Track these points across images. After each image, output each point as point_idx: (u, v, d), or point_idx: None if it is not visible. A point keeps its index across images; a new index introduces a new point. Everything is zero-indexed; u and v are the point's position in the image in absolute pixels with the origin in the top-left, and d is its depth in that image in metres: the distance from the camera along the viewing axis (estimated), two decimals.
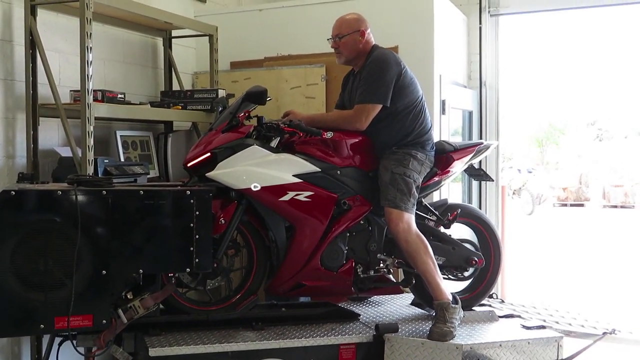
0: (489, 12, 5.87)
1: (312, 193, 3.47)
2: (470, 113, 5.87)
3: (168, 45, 5.01)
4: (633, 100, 29.62)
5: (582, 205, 20.97)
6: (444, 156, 3.83)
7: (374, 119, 3.61)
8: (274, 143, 3.50)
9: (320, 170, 3.53)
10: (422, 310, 3.94)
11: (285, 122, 3.56)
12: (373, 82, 3.59)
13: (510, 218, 6.75)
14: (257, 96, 3.44)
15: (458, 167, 3.93)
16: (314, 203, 3.48)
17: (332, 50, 4.65)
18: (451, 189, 5.09)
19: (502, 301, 4.42)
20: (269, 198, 3.42)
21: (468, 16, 5.86)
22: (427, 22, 4.81)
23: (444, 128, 5.03)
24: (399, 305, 4.10)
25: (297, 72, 4.92)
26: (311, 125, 3.56)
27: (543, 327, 3.72)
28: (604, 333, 3.98)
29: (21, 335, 3.77)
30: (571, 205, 20.99)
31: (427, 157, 3.70)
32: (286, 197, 3.43)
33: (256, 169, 3.40)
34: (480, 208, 5.68)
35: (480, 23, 5.86)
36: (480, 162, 4.61)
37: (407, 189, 3.53)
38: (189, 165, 3.43)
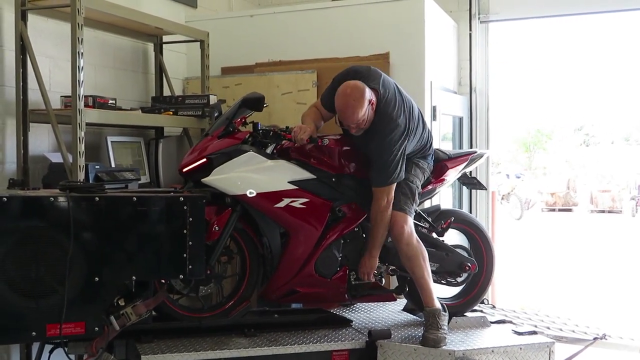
0: (479, 18, 5.92)
1: (307, 200, 3.47)
2: (461, 119, 5.89)
3: (159, 51, 5.00)
4: (619, 106, 29.89)
5: (570, 210, 21.11)
6: (438, 164, 3.84)
7: None
8: (269, 149, 3.50)
9: (315, 177, 3.54)
10: (415, 317, 3.93)
11: (281, 128, 3.56)
12: (386, 165, 3.45)
13: (499, 223, 6.78)
14: (254, 102, 3.45)
15: (452, 175, 3.94)
16: (309, 210, 3.48)
17: (324, 56, 4.68)
18: (442, 195, 5.10)
19: (494, 307, 4.43)
20: (264, 204, 3.41)
21: (458, 23, 5.89)
22: (417, 28, 4.82)
23: (435, 134, 5.04)
24: (391, 311, 4.10)
25: (289, 77, 4.93)
26: (379, 244, 3.55)
27: (535, 332, 3.73)
28: (595, 338, 4.01)
29: (12, 343, 3.73)
30: (559, 210, 21.13)
31: (428, 166, 3.73)
32: (281, 204, 3.42)
33: (252, 175, 3.39)
34: (470, 213, 5.70)
35: (470, 29, 5.90)
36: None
37: (411, 194, 3.55)
38: (184, 170, 3.42)
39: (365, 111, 3.40)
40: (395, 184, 3.51)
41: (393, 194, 3.51)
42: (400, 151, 3.48)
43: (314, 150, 3.57)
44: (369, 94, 3.41)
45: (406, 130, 3.50)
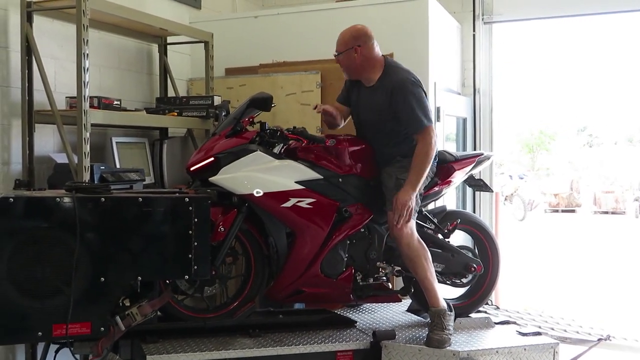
0: (482, 19, 5.91)
1: (313, 200, 3.48)
2: (464, 120, 5.90)
3: (163, 52, 5.01)
4: (622, 107, 29.86)
5: (573, 211, 21.05)
6: (445, 166, 3.84)
7: (386, 133, 3.64)
8: (277, 149, 3.51)
9: (322, 177, 3.55)
10: (419, 317, 3.94)
11: (288, 128, 3.58)
12: (419, 107, 3.54)
13: (502, 224, 6.79)
14: (262, 102, 3.47)
15: (459, 177, 3.95)
16: (316, 210, 3.49)
17: (328, 57, 4.68)
18: (446, 195, 5.10)
19: (497, 307, 4.44)
20: (271, 204, 3.42)
21: (462, 24, 5.89)
22: (421, 29, 4.83)
23: (439, 135, 5.04)
24: (395, 311, 4.10)
25: (292, 78, 4.93)
26: (418, 179, 3.50)
27: (539, 333, 3.73)
28: (599, 339, 4.02)
29: (18, 343, 3.75)
30: (562, 211, 21.07)
31: (430, 167, 3.71)
32: (288, 204, 3.43)
33: (259, 175, 3.41)
34: (474, 214, 5.69)
35: (474, 30, 5.90)
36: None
37: None
38: (192, 169, 3.44)
39: (345, 47, 3.65)
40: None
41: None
42: (424, 96, 3.61)
43: (321, 151, 3.59)
44: (360, 38, 3.65)
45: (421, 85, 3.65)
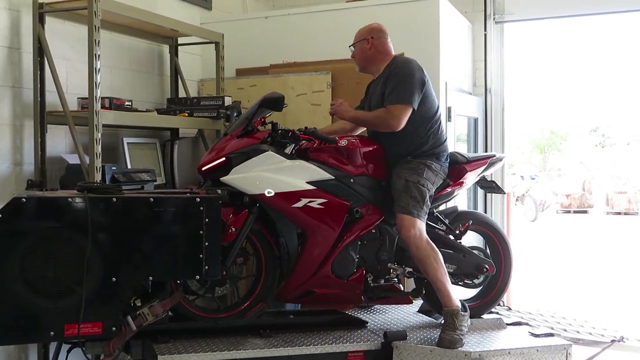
0: (494, 19, 5.89)
1: (325, 200, 3.48)
2: (476, 120, 5.87)
3: (174, 53, 5.02)
4: (635, 107, 29.62)
5: (585, 212, 20.90)
6: (457, 167, 3.83)
7: None
8: (288, 149, 3.52)
9: (333, 177, 3.55)
10: (430, 318, 3.93)
11: (300, 129, 3.58)
12: (402, 84, 3.58)
13: (514, 225, 6.75)
14: (274, 102, 3.47)
15: (471, 178, 3.93)
16: (327, 210, 3.48)
17: (338, 57, 4.70)
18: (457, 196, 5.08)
19: (509, 308, 4.41)
20: (282, 204, 3.42)
21: (473, 23, 5.87)
22: (432, 29, 4.82)
23: (450, 135, 5.03)
24: (406, 312, 4.09)
25: (303, 79, 4.93)
26: (355, 122, 3.70)
27: (551, 334, 3.71)
28: (612, 341, 3.98)
29: (31, 343, 3.77)
30: (575, 212, 20.93)
31: (441, 168, 3.71)
32: (299, 204, 3.43)
33: (270, 175, 3.41)
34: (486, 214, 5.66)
35: (485, 30, 5.88)
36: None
37: (421, 197, 3.53)
38: (203, 169, 3.45)
39: (359, 38, 3.82)
40: (409, 111, 3.56)
41: (405, 118, 3.57)
42: (417, 78, 3.60)
43: (332, 151, 3.59)
44: (374, 31, 3.80)
45: (425, 84, 3.64)
